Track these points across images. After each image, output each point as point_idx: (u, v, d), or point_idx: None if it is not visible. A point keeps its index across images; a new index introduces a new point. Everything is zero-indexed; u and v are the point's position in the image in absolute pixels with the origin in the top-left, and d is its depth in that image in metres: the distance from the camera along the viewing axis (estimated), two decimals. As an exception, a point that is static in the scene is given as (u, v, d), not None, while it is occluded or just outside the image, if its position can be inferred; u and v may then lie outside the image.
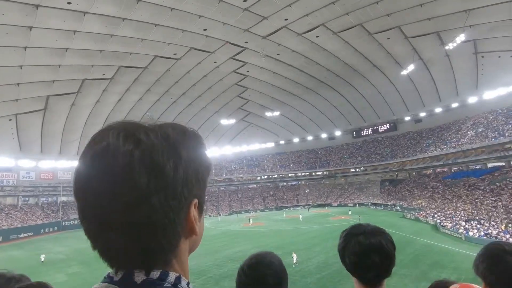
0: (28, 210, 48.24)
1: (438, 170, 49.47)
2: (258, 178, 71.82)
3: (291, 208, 60.18)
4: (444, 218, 32.03)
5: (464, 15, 31.57)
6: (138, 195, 0.48)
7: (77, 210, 0.53)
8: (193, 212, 0.57)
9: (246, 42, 38.59)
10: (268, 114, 61.29)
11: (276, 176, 70.84)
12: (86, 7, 26.66)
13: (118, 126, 0.53)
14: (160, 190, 0.50)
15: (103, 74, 39.50)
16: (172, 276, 0.54)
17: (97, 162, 0.49)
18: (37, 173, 51.42)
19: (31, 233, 41.91)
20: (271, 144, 74.51)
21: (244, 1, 29.78)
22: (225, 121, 61.55)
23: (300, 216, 43.65)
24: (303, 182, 69.82)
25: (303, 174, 69.48)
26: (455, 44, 34.51)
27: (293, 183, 71.17)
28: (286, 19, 34.04)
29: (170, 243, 0.54)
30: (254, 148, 74.24)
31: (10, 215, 44.55)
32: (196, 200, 0.58)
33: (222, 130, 68.24)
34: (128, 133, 0.52)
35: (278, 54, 42.44)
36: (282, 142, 74.17)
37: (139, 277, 0.51)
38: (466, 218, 29.70)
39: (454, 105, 49.40)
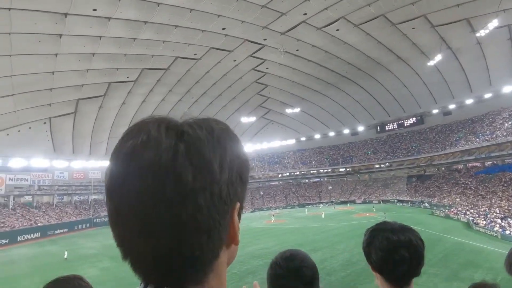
0: (63, 208, 51.26)
1: (470, 165, 46.90)
2: (280, 175, 71.64)
3: (314, 205, 59.57)
4: (477, 215, 30.36)
5: (497, -1, 29.57)
6: (183, 191, 0.43)
7: (108, 212, 0.47)
8: (236, 217, 0.51)
9: (265, 39, 38.46)
10: (289, 110, 60.84)
11: (297, 173, 70.31)
12: (110, 13, 27.73)
13: (157, 118, 0.49)
14: (206, 187, 0.44)
15: (128, 77, 40.99)
16: None
17: (136, 157, 0.43)
18: (69, 173, 54.47)
19: (65, 230, 44.52)
20: (292, 141, 74.01)
21: (262, -2, 29.69)
22: (245, 119, 61.85)
23: (323, 214, 43.04)
24: (325, 179, 68.82)
25: (325, 170, 68.41)
26: (487, 31, 32.42)
27: (315, 180, 70.31)
28: (305, 14, 33.51)
29: (213, 250, 0.47)
30: (275, 145, 74.08)
31: (47, 213, 47.56)
32: (239, 204, 0.51)
33: (243, 128, 68.63)
34: (170, 125, 0.48)
35: (297, 50, 41.92)
36: (303, 138, 73.42)
37: None
38: (503, 215, 27.98)
39: (487, 95, 46.50)
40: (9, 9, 24.19)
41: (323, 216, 41.51)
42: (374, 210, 42.44)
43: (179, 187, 0.42)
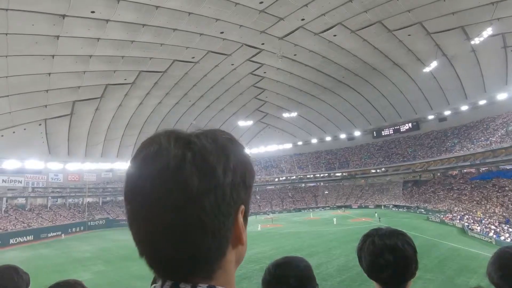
0: (57, 211, 50.65)
1: (465, 170, 47.24)
2: (276, 179, 71.56)
3: (313, 210, 59.48)
4: (472, 221, 30.53)
5: (491, 7, 30.04)
6: (188, 195, 0.47)
7: (126, 214, 0.52)
8: (241, 219, 0.56)
9: (262, 44, 38.66)
10: (286, 115, 60.97)
11: (294, 177, 70.29)
12: (108, 15, 27.74)
13: (168, 131, 0.54)
14: (211, 191, 0.49)
15: (125, 79, 40.89)
16: None
17: (147, 164, 0.49)
18: (64, 175, 53.91)
19: (59, 232, 43.94)
20: (288, 145, 74.09)
21: (260, 3, 29.88)
22: (242, 123, 61.84)
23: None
24: (322, 184, 68.84)
25: (321, 175, 68.46)
26: (481, 39, 32.90)
27: (312, 184, 70.29)
28: (302, 19, 33.79)
29: (219, 249, 0.52)
30: (272, 149, 74.09)
31: (41, 215, 46.97)
32: (243, 207, 0.56)
33: (240, 132, 68.55)
34: (178, 136, 0.52)
35: (295, 55, 42.18)
36: (300, 143, 73.52)
37: None
38: (497, 221, 28.16)
39: (482, 102, 47.03)
40: (6, 9, 24.10)
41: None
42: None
43: (185, 191, 0.47)
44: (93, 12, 26.74)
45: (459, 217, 33.46)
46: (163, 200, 0.47)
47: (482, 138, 44.12)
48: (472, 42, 34.63)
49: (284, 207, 63.31)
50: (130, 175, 0.51)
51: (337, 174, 66.98)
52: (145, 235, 0.50)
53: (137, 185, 0.50)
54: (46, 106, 40.16)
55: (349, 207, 57.46)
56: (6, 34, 26.53)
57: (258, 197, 67.96)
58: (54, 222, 46.12)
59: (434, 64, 39.17)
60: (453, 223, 32.89)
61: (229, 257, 0.55)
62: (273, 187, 71.53)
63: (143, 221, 0.49)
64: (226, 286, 0.54)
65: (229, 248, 0.55)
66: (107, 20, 28.38)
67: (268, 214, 57.03)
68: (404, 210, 47.92)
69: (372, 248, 1.17)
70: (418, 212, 44.49)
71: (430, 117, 55.54)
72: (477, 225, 28.69)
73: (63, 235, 42.93)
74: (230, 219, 0.53)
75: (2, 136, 41.38)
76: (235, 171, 0.53)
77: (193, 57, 39.44)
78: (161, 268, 0.52)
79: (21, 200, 49.22)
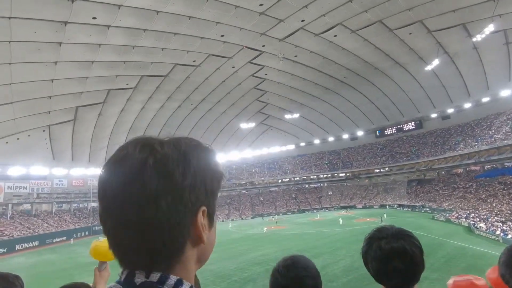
0: (62, 216, 50.90)
1: (469, 168, 46.85)
2: (280, 181, 71.43)
3: (315, 211, 59.25)
4: (478, 219, 30.23)
5: (492, 4, 29.88)
6: (147, 196, 0.55)
7: (99, 212, 0.61)
8: (201, 219, 0.60)
9: (263, 46, 38.72)
10: (288, 116, 60.93)
11: (297, 178, 70.12)
12: (109, 21, 27.95)
13: (138, 139, 0.62)
14: (168, 193, 0.56)
15: (127, 84, 41.13)
16: (172, 279, 0.57)
17: (115, 168, 0.58)
18: (69, 180, 54.21)
19: (64, 238, 44.11)
20: (291, 146, 74.01)
21: (260, 5, 29.97)
22: (244, 125, 61.90)
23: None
24: (325, 184, 68.60)
25: (325, 176, 68.23)
26: (483, 36, 32.68)
27: (316, 185, 70.09)
28: (302, 20, 33.83)
29: (174, 245, 0.58)
30: (275, 151, 74.03)
31: (46, 221, 47.19)
32: (204, 208, 0.62)
33: (242, 134, 68.67)
34: (145, 144, 0.60)
35: (295, 56, 42.19)
36: (302, 144, 73.40)
37: (139, 278, 0.56)
38: (504, 219, 27.86)
39: (485, 99, 46.71)
40: (9, 18, 24.36)
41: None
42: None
43: (144, 192, 0.55)
44: (94, 18, 26.96)
45: (465, 215, 33.16)
46: (126, 199, 0.55)
47: (486, 136, 43.79)
48: (474, 39, 34.41)
49: (288, 209, 63.13)
50: (101, 178, 0.59)
51: (341, 175, 66.73)
52: (111, 230, 0.58)
53: (106, 185, 0.57)
54: (49, 112, 40.46)
55: (353, 207, 57.18)
56: (9, 42, 26.80)
57: (262, 199, 67.90)
58: (59, 228, 46.34)
59: (436, 62, 38.98)
60: (459, 222, 32.59)
61: (189, 254, 0.61)
62: (277, 188, 71.41)
63: (109, 217, 0.57)
64: (183, 278, 0.59)
65: (188, 246, 0.60)
66: (109, 26, 28.59)
67: (273, 217, 56.80)
68: (409, 210, 47.58)
69: (379, 253, 1.11)
70: (423, 211, 44.16)
71: (433, 115, 55.24)
72: (484, 223, 28.41)
73: (72, 240, 43.14)
74: (187, 218, 0.58)
75: (7, 143, 41.71)
76: (195, 176, 0.59)
77: (194, 61, 39.60)
78: (123, 259, 0.59)
79: (27, 206, 49.49)
